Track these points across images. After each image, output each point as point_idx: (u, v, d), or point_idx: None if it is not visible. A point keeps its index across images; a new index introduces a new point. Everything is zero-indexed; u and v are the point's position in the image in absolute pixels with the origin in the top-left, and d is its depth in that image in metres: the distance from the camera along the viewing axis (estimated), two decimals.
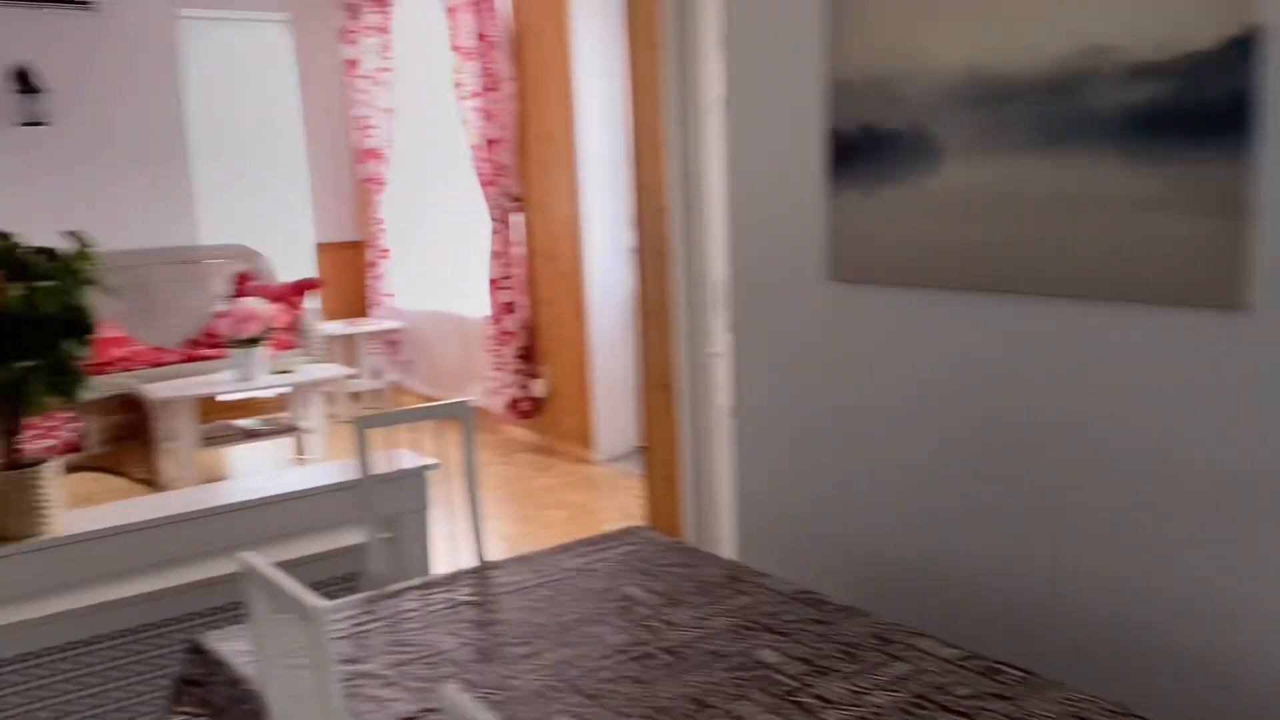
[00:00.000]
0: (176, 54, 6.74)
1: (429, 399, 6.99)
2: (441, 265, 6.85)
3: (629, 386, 5.50)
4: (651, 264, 3.61)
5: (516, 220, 5.77)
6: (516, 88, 5.58)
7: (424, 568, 3.01)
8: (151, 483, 4.11)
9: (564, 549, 2.34)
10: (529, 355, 5.83)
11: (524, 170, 5.69)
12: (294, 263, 7.39)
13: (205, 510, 2.70)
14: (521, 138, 5.65)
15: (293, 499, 2.85)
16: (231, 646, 1.86)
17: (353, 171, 7.56)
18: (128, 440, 4.12)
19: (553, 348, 5.68)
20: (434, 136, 6.70)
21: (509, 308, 5.75)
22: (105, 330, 6.05)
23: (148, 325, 6.50)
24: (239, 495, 2.81)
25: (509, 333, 5.75)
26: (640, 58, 3.57)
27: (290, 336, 6.40)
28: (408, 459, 3.14)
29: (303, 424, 5.70)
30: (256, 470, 5.68)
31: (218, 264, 6.89)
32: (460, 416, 2.56)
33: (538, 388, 5.77)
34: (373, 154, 6.96)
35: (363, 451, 2.40)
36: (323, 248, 7.52)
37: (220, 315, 6.40)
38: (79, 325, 2.44)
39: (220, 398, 5.75)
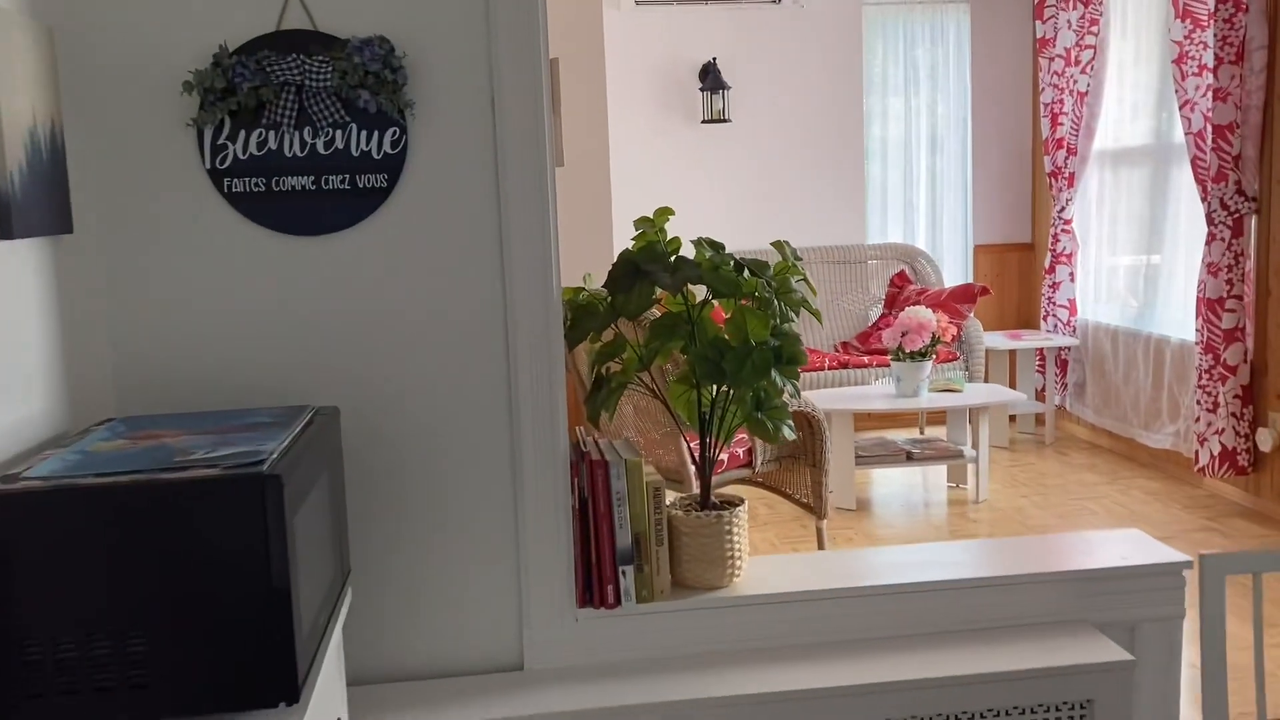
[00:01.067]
0: (859, 46, 6.57)
1: (1099, 430, 6.11)
2: (1134, 276, 5.92)
3: None
4: None
5: (1249, 227, 4.70)
6: (1268, 58, 4.51)
7: (1171, 703, 2.31)
8: (813, 509, 3.86)
9: None
10: (1252, 396, 4.74)
11: (1268, 163, 4.61)
12: (947, 264, 6.93)
13: (898, 587, 2.26)
14: (1269, 121, 4.57)
15: (1000, 585, 2.31)
16: None
17: (1030, 165, 6.88)
18: (793, 459, 3.90)
19: None
20: (1136, 123, 5.79)
21: (1232, 335, 4.71)
22: None
23: (805, 327, 6.43)
24: (934, 571, 2.33)
25: (1228, 366, 4.72)
26: None
27: (950, 348, 5.93)
28: (1149, 546, 2.45)
29: (965, 449, 5.19)
30: (914, 502, 5.28)
31: (878, 264, 6.64)
32: None
33: (1262, 439, 4.67)
34: (1060, 144, 6.22)
35: (1209, 610, 1.78)
36: (981, 250, 6.96)
37: (884, 322, 6.12)
38: (788, 354, 2.10)
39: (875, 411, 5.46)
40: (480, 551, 2.10)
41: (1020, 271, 7.00)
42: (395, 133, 1.99)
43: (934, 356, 5.12)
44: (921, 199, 6.90)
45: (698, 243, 2.25)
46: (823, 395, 5.14)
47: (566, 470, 2.12)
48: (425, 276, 2.02)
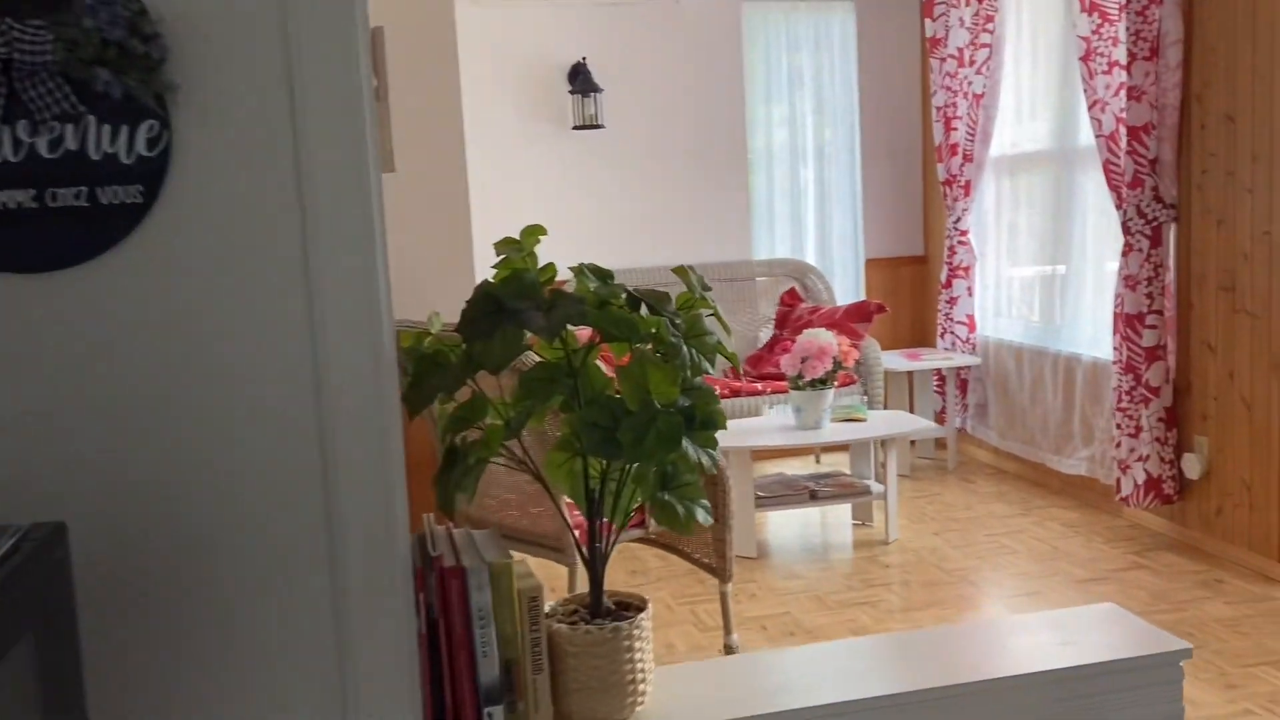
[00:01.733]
0: (740, 47, 6.19)
1: (1005, 454, 5.85)
2: (1038, 290, 5.68)
3: None
4: None
5: (1168, 236, 4.46)
6: (1184, 53, 4.28)
7: None
8: (716, 572, 3.41)
9: None
10: (1176, 419, 4.49)
11: (1186, 167, 4.37)
12: (838, 280, 6.61)
13: (836, 707, 1.81)
14: (1185, 121, 4.34)
15: (957, 695, 1.88)
16: None
17: (922, 173, 6.62)
18: None
19: (1218, 413, 4.30)
20: (1037, 127, 5.55)
21: (1154, 354, 4.45)
22: None
23: None
24: (877, 680, 1.90)
25: (1150, 387, 4.46)
26: None
27: (849, 372, 5.58)
28: (1135, 631, 2.06)
29: (871, 484, 4.83)
30: (818, 545, 4.87)
31: (766, 281, 6.27)
32: None
33: (1189, 465, 4.41)
34: (954, 150, 5.95)
35: None
36: (873, 264, 6.66)
37: (779, 346, 5.74)
38: (703, 416, 1.64)
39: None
40: (289, 700, 1.57)
41: (914, 286, 6.73)
42: (153, 127, 1.45)
43: (835, 384, 4.74)
44: (810, 211, 6.56)
45: (579, 270, 1.77)
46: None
47: (409, 582, 1.61)
48: (199, 326, 1.48)
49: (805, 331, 4.72)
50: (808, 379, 4.60)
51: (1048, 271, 5.54)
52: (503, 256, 1.76)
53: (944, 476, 5.87)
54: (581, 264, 1.78)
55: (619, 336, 1.69)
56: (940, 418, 6.20)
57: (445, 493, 1.76)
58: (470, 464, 1.71)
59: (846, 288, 6.63)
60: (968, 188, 5.94)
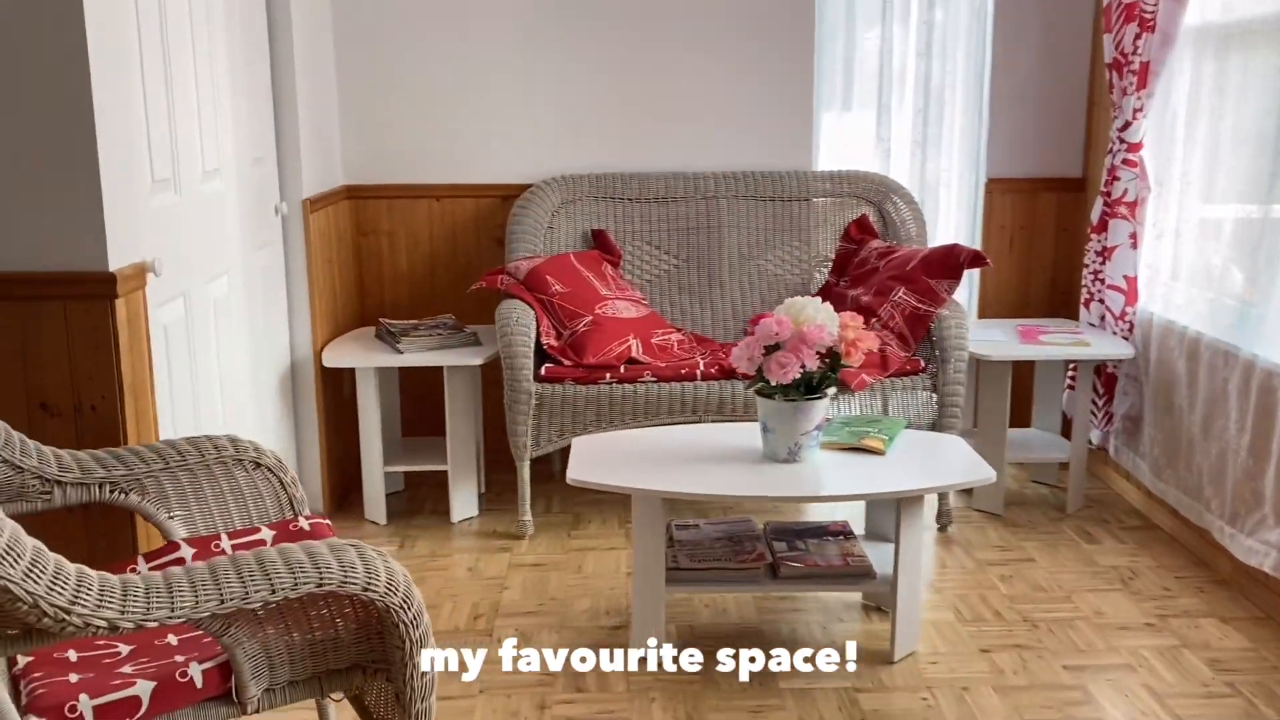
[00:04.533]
0: None
1: (1157, 501, 3.86)
2: (1244, 249, 3.59)
3: None
4: None
5: None
6: None
7: None
8: None
9: None
10: None
11: None
12: (944, 207, 4.62)
13: None
14: None
15: None
16: None
17: (1090, 52, 4.52)
18: (363, 669, 1.77)
19: None
20: None
21: None
22: (626, 307, 3.88)
23: (701, 301, 4.26)
24: None
25: None
26: None
27: (908, 357, 3.73)
28: None
29: (883, 555, 3.00)
30: (783, 642, 3.05)
31: (828, 205, 4.39)
32: None
33: None
34: (1130, 13, 3.86)
35: None
36: (1000, 186, 4.63)
37: (750, 327, 3.88)
38: None
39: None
40: None
41: (1060, 225, 4.68)
42: None
43: (832, 392, 2.90)
44: (907, 104, 4.56)
45: None
46: (614, 443, 2.98)
47: None
48: None
49: (784, 304, 2.87)
50: (776, 382, 2.79)
51: (1261, 217, 3.45)
52: None
53: (1056, 522, 3.94)
54: None
55: None
56: (1068, 426, 4.23)
57: None
58: None
59: (953, 220, 4.63)
60: (1143, 75, 3.85)
